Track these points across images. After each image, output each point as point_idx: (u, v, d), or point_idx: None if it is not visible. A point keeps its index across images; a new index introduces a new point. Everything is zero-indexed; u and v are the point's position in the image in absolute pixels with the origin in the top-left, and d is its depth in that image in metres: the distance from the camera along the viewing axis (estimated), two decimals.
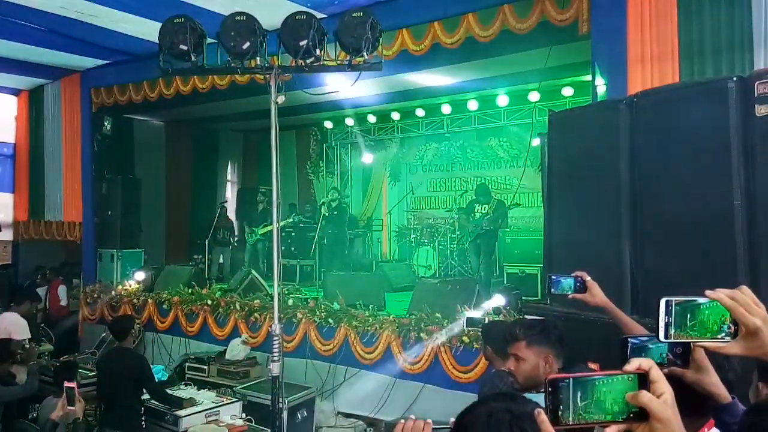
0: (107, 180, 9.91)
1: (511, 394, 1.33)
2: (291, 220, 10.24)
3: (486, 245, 8.20)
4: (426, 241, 10.24)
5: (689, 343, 1.36)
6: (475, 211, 8.34)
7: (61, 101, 10.17)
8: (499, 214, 8.13)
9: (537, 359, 2.47)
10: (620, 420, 0.91)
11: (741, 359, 1.49)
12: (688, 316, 1.11)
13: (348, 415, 6.28)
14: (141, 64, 8.56)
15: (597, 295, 2.30)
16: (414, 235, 10.69)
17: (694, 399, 1.42)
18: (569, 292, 2.32)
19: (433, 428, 1.37)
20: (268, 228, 10.20)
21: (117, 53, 8.71)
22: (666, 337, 1.12)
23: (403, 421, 1.41)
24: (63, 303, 9.22)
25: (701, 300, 1.12)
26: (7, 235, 10.92)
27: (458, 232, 9.64)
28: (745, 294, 1.12)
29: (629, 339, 1.42)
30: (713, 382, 1.43)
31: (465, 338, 5.58)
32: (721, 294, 1.11)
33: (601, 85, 5.04)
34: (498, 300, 5.82)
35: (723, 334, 1.12)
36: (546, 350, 2.49)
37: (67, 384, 3.78)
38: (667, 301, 1.11)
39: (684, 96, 3.25)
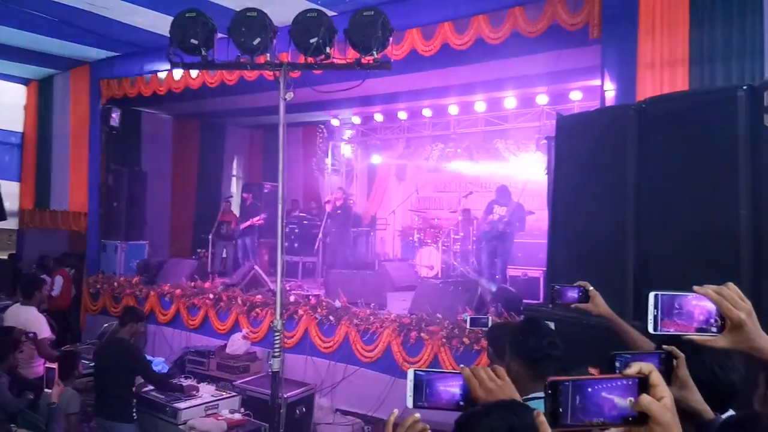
0: (113, 171, 9.93)
1: (513, 404, 1.34)
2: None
3: (502, 249, 8.01)
4: (429, 241, 10.22)
5: (672, 360, 1.47)
6: (494, 212, 8.18)
7: (70, 92, 10.21)
8: (516, 218, 7.93)
9: None
10: (619, 423, 0.91)
11: (745, 361, 1.52)
12: (675, 305, 1.17)
13: (346, 413, 6.28)
14: (150, 57, 8.59)
15: (600, 305, 2.32)
16: (418, 235, 10.68)
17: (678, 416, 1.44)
18: (573, 302, 2.34)
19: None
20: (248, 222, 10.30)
21: (127, 45, 8.74)
22: (655, 329, 1.17)
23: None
24: (54, 293, 8.72)
25: (689, 294, 1.18)
26: (12, 224, 10.94)
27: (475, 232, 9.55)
28: (731, 289, 1.19)
29: (617, 356, 1.51)
30: (696, 399, 1.48)
31: (465, 339, 5.58)
32: (708, 289, 1.18)
33: (610, 90, 5.03)
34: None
35: (710, 328, 1.18)
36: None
37: (47, 364, 3.76)
38: (655, 295, 1.17)
39: (693, 103, 3.24)
